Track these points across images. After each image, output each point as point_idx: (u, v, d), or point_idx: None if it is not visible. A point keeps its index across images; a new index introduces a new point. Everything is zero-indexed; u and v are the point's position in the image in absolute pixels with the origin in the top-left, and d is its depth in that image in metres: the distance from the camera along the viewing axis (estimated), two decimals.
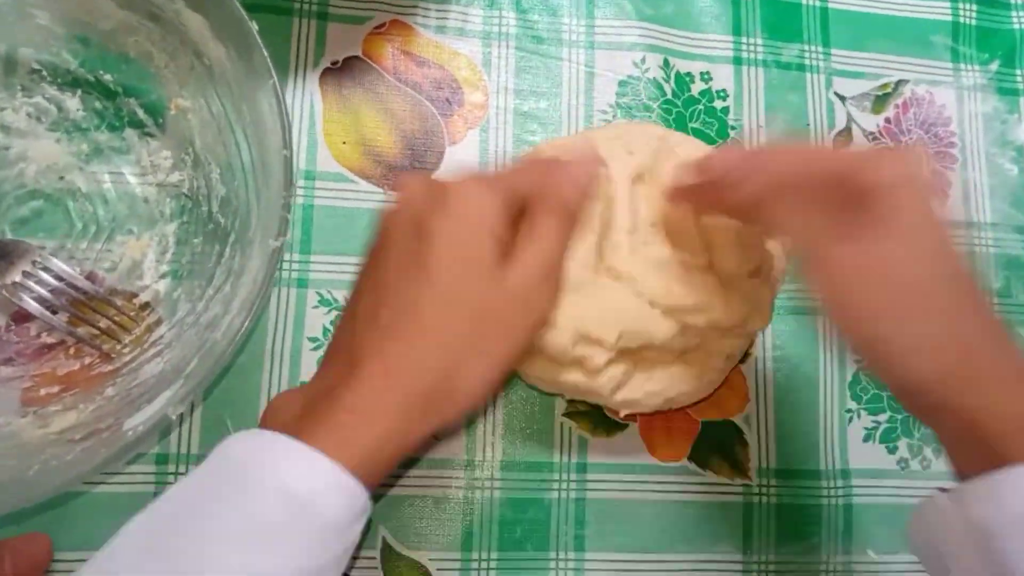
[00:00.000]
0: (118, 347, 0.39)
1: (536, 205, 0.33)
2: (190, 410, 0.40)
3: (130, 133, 0.41)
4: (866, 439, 0.46)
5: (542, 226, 0.32)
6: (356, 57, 0.45)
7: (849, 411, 0.46)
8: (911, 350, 0.30)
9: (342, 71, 0.44)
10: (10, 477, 0.31)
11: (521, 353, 0.33)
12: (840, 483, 0.45)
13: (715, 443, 0.44)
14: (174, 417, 0.30)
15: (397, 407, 0.29)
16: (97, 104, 0.41)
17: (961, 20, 0.52)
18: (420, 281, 0.30)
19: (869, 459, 0.46)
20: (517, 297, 0.31)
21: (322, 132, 0.44)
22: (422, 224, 0.31)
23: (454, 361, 0.30)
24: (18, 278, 0.37)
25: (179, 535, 0.25)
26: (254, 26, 0.33)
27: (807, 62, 0.50)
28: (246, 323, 0.31)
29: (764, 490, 0.44)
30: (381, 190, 0.44)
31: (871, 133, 0.50)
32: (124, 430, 0.31)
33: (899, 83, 0.51)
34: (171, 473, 0.39)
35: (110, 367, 0.38)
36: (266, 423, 0.34)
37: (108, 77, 0.40)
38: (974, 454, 0.29)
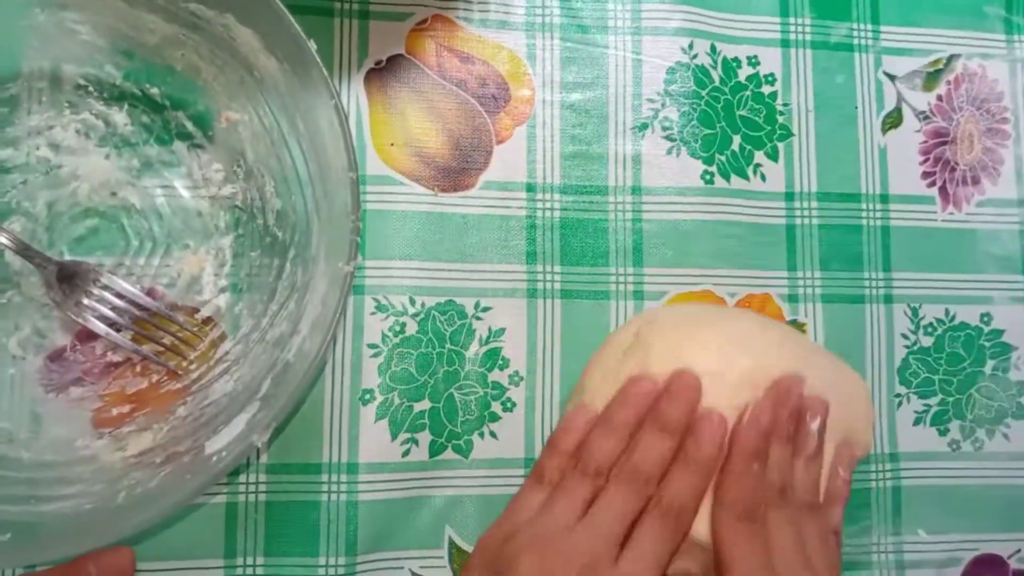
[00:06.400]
0: (184, 364, 0.39)
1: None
2: None
3: (179, 146, 0.40)
4: (916, 422, 0.46)
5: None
6: (400, 56, 0.44)
7: (898, 396, 0.46)
8: None
9: (386, 71, 0.43)
10: (100, 504, 0.32)
11: None
12: (888, 466, 0.45)
13: None
14: (259, 445, 0.30)
15: None
16: (144, 118, 0.40)
17: None
18: None
19: (918, 442, 0.46)
20: None
21: (369, 134, 0.43)
22: None
23: None
24: (83, 299, 0.38)
25: None
26: (312, 45, 0.32)
27: (856, 41, 0.48)
28: (323, 349, 0.31)
29: None
30: (432, 191, 0.43)
31: (922, 112, 0.49)
32: (207, 455, 0.32)
33: (951, 58, 0.49)
34: (242, 483, 0.40)
35: (179, 385, 0.38)
36: None
37: (154, 90, 0.39)
38: None
